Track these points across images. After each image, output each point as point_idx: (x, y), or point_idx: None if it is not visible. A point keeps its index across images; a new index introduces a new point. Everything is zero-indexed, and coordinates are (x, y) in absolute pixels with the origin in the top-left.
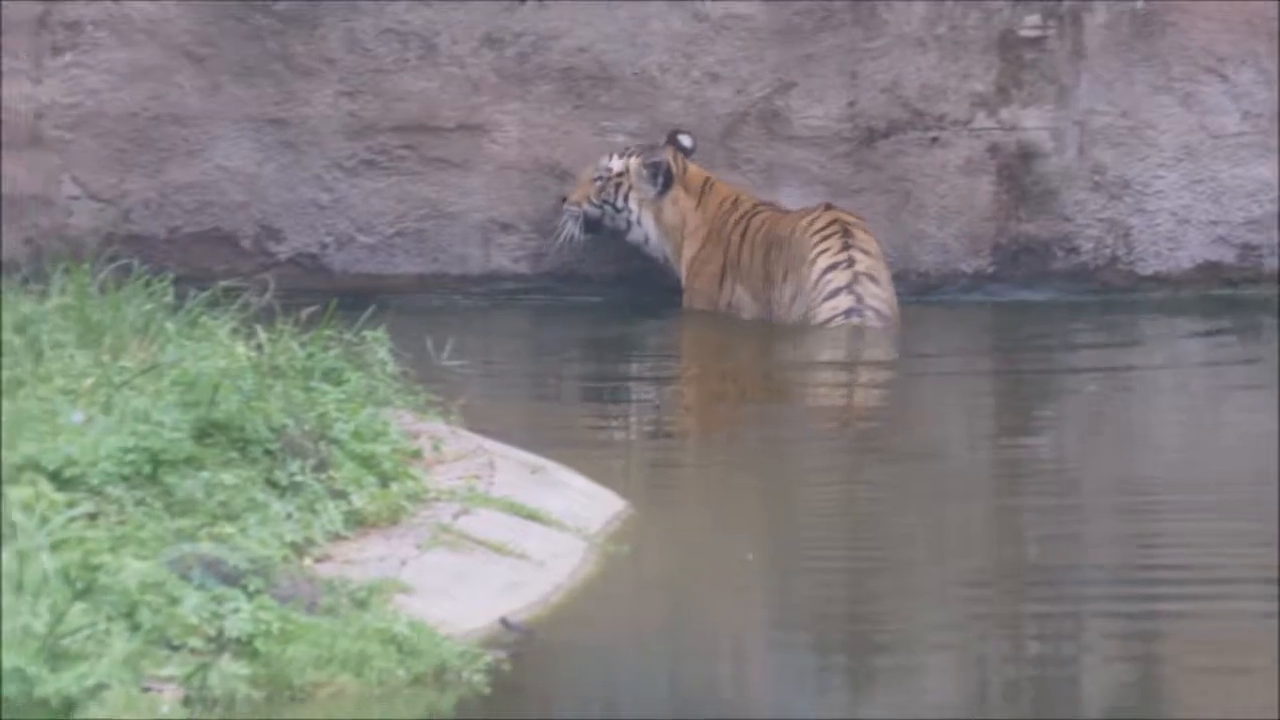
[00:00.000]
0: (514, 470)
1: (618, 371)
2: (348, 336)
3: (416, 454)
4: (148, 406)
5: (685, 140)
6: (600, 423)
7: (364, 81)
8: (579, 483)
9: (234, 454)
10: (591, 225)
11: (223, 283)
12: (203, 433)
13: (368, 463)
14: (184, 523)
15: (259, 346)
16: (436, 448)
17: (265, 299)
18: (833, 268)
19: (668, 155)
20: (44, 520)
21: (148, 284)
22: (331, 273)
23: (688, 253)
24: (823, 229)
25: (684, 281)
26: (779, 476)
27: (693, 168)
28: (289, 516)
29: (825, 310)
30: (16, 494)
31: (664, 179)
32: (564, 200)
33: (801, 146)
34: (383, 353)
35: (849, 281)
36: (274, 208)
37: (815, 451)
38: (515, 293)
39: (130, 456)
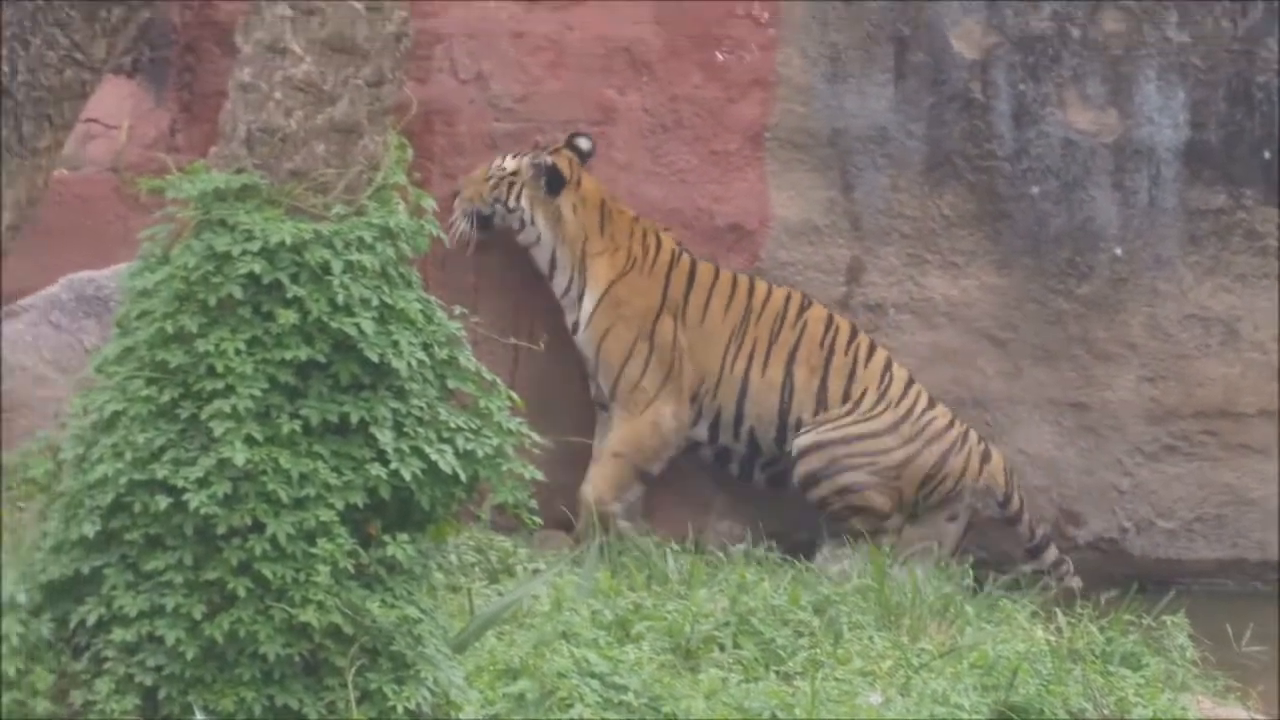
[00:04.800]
0: None
1: None
2: (1147, 621)
3: None
4: (946, 689)
5: (583, 143)
6: None
7: (1165, 367)
8: None
9: None
10: (484, 223)
11: (1023, 566)
12: (1001, 715)
13: None
14: None
15: (1058, 630)
16: None
17: (1066, 583)
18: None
19: (557, 159)
20: None
21: (946, 567)
22: (1130, 557)
23: (602, 272)
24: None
25: (595, 305)
26: None
27: (589, 181)
28: None
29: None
30: None
31: (549, 180)
32: (455, 197)
33: None
34: (1182, 638)
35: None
36: (1073, 492)
37: None
38: None
39: None
